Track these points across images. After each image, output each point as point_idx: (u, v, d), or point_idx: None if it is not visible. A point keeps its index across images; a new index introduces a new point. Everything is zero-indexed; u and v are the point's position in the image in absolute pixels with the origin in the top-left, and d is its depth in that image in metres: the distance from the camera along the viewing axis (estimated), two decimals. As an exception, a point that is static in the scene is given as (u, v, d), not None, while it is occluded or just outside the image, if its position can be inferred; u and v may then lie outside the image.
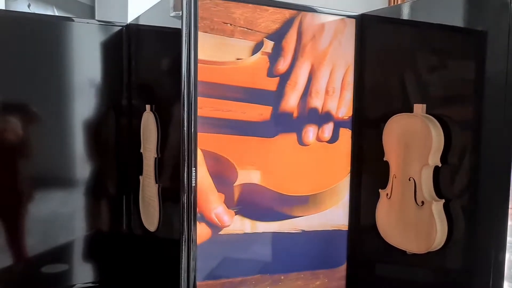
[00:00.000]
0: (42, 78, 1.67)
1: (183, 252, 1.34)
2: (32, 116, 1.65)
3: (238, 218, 1.45)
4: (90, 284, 1.82)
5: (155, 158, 1.50)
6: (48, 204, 1.71)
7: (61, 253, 1.76)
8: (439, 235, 1.31)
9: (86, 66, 1.73)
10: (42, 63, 1.66)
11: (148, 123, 1.54)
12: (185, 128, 1.30)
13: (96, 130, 1.77)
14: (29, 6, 2.73)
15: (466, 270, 1.31)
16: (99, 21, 1.80)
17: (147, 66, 1.65)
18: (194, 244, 1.35)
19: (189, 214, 1.33)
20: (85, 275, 1.81)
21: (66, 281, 1.78)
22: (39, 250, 1.71)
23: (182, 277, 1.35)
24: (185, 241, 1.34)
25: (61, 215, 1.73)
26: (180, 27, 1.29)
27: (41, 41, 1.66)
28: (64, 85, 1.70)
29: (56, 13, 2.95)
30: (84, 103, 1.74)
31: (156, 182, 1.51)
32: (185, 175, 1.31)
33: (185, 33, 1.30)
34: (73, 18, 1.75)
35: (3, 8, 2.43)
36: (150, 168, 1.53)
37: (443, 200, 1.31)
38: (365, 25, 1.54)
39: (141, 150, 1.61)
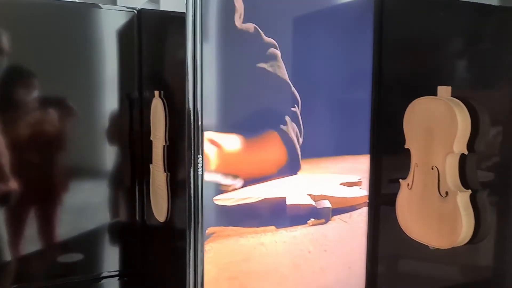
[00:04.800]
0: (73, 70, 1.67)
1: (190, 244, 1.28)
2: (69, 109, 1.66)
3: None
4: (115, 273, 1.82)
5: (164, 146, 1.45)
6: (79, 194, 1.73)
7: (86, 242, 1.77)
8: (464, 229, 1.19)
9: (104, 56, 1.71)
10: (69, 54, 1.66)
11: (157, 110, 1.49)
12: (190, 112, 1.24)
13: (113, 121, 1.75)
14: None
15: (496, 267, 1.20)
16: (104, 6, 1.76)
17: (156, 52, 1.60)
18: (202, 236, 1.29)
19: (196, 204, 1.27)
20: (107, 264, 1.81)
21: (90, 270, 1.79)
22: (68, 239, 1.73)
23: (189, 270, 1.30)
24: (192, 233, 1.28)
25: (87, 205, 1.75)
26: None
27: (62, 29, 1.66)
28: (89, 76, 1.70)
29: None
30: (103, 93, 1.73)
31: (165, 171, 1.46)
32: (192, 162, 1.25)
33: (191, 16, 1.24)
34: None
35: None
36: (159, 157, 1.48)
37: (470, 191, 1.19)
38: (386, 5, 1.43)
39: (151, 138, 1.57)
